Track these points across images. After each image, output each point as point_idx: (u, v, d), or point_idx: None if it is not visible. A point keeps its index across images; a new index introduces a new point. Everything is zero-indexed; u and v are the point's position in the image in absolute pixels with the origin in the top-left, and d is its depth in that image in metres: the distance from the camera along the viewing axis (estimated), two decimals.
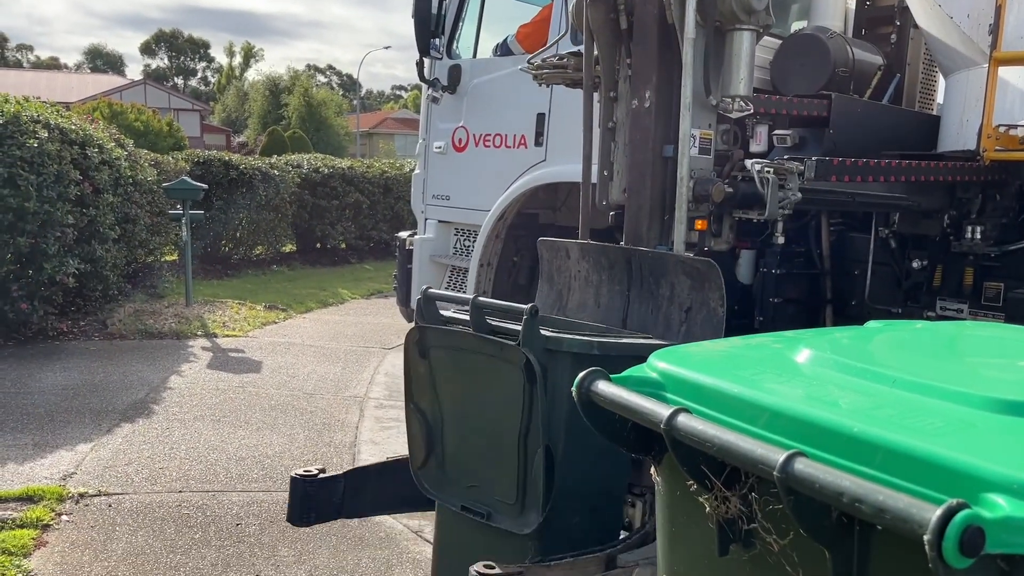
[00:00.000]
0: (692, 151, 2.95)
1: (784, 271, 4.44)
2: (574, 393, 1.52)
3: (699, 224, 3.06)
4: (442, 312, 2.86)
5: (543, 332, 2.48)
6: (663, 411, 1.32)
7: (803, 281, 4.51)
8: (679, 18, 2.79)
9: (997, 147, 4.04)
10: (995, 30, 3.99)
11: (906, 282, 4.26)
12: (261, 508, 4.04)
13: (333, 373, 6.74)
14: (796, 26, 5.74)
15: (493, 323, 2.63)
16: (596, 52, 3.17)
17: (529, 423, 2.48)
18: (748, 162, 3.06)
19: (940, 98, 5.30)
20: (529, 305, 2.43)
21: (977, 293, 4.24)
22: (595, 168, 4.33)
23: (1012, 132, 4.15)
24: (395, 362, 7.34)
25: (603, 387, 1.47)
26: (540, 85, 3.90)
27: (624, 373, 1.61)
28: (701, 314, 2.83)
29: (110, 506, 3.99)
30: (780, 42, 5.35)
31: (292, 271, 12.50)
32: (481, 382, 2.71)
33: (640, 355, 2.50)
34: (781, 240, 4.50)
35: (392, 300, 10.26)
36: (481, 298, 2.65)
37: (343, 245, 13.96)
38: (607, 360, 2.43)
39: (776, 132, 4.18)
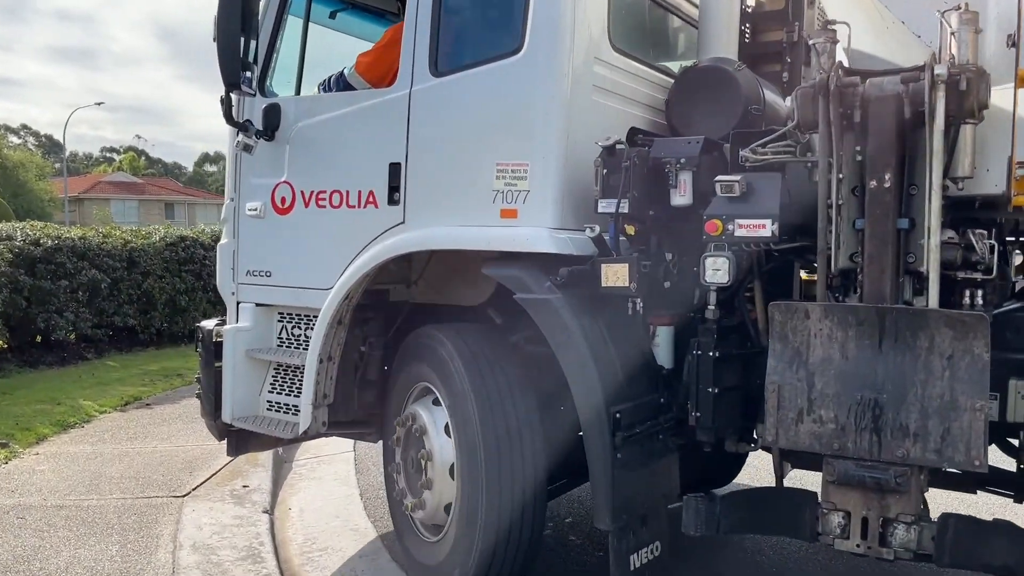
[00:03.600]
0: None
1: (722, 352, 3.77)
2: None
3: None
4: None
5: None
6: None
7: (740, 363, 3.84)
8: (930, 114, 3.24)
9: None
10: (1017, 42, 3.31)
11: None
12: None
13: (107, 560, 4.34)
14: (679, 64, 5.04)
15: None
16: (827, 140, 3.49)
17: None
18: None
19: None
20: None
21: None
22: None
23: None
24: (201, 521, 4.99)
25: None
26: (745, 166, 3.73)
27: None
28: (965, 360, 3.20)
29: None
30: (671, 80, 4.59)
31: (6, 378, 9.54)
32: None
33: None
34: (714, 314, 3.80)
35: (168, 412, 7.98)
36: None
37: (73, 336, 11.20)
38: None
39: (720, 179, 3.63)
